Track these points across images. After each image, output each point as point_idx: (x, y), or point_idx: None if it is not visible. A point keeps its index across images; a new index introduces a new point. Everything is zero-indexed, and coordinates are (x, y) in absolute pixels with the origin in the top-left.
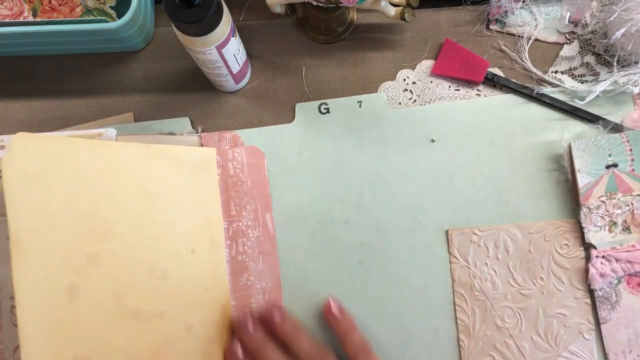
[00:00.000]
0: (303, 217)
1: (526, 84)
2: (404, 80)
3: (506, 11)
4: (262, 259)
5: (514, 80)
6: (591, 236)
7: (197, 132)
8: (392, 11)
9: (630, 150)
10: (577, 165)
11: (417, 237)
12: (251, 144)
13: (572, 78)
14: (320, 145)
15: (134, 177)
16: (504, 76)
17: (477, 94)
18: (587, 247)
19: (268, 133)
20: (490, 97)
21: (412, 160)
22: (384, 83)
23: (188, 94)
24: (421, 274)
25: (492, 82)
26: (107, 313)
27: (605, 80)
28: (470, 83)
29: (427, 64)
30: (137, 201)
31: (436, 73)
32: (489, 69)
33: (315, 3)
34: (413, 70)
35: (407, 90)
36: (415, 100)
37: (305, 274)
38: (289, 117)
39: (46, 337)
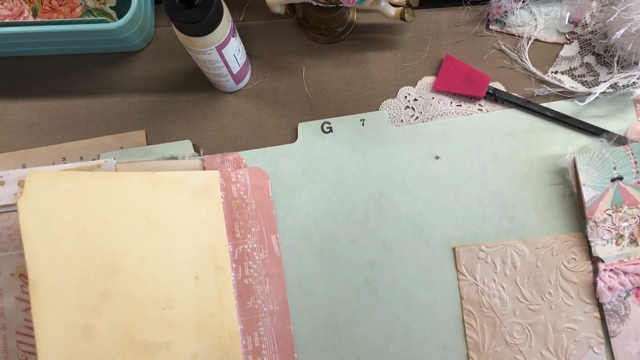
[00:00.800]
0: (309, 238)
1: (528, 98)
2: (406, 97)
3: (506, 11)
4: (268, 282)
5: (516, 95)
6: (598, 250)
7: (200, 155)
8: (392, 11)
9: (635, 162)
10: (582, 179)
11: (424, 255)
12: (254, 165)
13: (572, 78)
14: (324, 164)
15: (137, 207)
16: (505, 90)
17: (479, 109)
18: (595, 260)
19: (271, 153)
20: (493, 112)
21: (416, 177)
22: (385, 101)
23: (188, 94)
24: (429, 292)
25: (494, 96)
26: (120, 348)
27: (605, 81)
28: (471, 98)
29: (428, 81)
30: (140, 231)
31: (437, 89)
32: (490, 84)
33: (315, 3)
34: (414, 87)
35: (408, 107)
36: (417, 117)
37: (312, 295)
38: (289, 117)
39: None
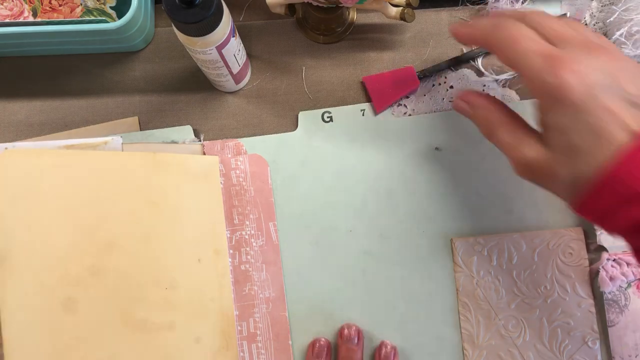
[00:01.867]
0: (307, 226)
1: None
2: None
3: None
4: (265, 269)
5: (442, 62)
6: (603, 239)
7: (200, 141)
8: (392, 11)
9: None
10: None
11: (421, 245)
12: (254, 152)
13: None
14: (324, 153)
15: (139, 187)
16: (430, 65)
17: None
18: (597, 249)
19: (271, 141)
20: None
21: (416, 168)
22: None
23: (188, 94)
24: (425, 283)
25: (427, 76)
26: (112, 324)
27: None
28: (412, 92)
29: None
30: (143, 211)
31: (380, 110)
32: (416, 71)
33: (315, 3)
34: None
35: (401, 105)
36: (410, 115)
37: (309, 283)
38: (289, 117)
39: (36, 350)
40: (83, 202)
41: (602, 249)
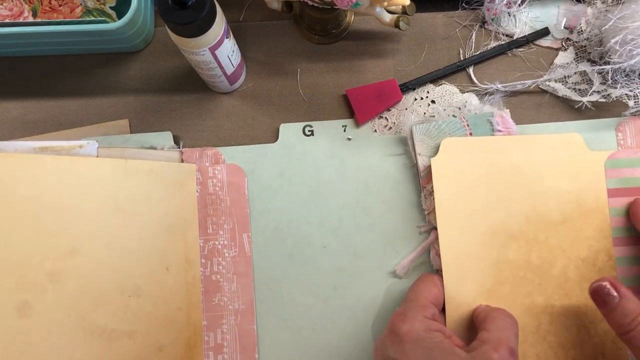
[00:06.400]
0: (281, 239)
1: (437, 69)
2: None
3: (496, 15)
4: (236, 280)
5: (424, 75)
6: (432, 218)
7: (179, 147)
8: (387, 18)
9: (470, 134)
10: (418, 149)
11: (394, 265)
12: (233, 162)
13: (566, 86)
14: (303, 167)
15: (108, 193)
16: (412, 78)
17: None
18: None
19: (250, 152)
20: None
21: (393, 187)
22: None
23: (184, 94)
24: (396, 304)
25: (410, 88)
26: (68, 331)
27: (599, 92)
28: (395, 105)
29: None
30: (110, 217)
31: (363, 122)
32: (398, 83)
33: (310, 3)
34: None
35: (382, 117)
36: (390, 128)
37: (279, 297)
38: (283, 119)
39: None
40: (48, 207)
41: (435, 229)
